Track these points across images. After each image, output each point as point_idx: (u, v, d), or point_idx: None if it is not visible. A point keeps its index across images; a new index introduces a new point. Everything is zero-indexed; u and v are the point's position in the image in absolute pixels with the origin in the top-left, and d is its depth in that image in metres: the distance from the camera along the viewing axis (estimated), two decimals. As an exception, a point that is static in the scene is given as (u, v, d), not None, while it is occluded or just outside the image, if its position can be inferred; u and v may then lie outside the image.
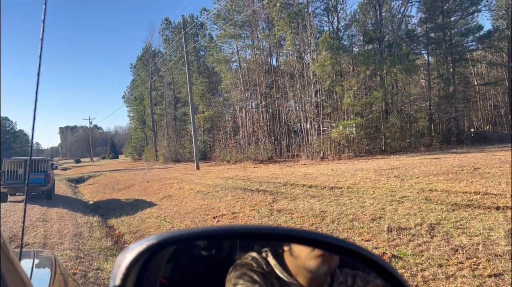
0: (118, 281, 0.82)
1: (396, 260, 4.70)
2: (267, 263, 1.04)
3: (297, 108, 31.13)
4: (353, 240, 5.81)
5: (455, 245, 5.08)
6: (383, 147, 26.96)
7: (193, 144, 28.66)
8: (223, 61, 37.55)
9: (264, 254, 1.06)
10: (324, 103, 29.46)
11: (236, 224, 8.42)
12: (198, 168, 26.90)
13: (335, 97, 29.28)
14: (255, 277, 0.99)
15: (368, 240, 5.71)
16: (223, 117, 38.62)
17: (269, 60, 36.13)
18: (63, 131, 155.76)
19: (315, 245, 0.95)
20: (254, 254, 1.06)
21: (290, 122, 32.76)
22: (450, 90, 32.18)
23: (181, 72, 45.07)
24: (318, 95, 27.55)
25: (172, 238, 0.93)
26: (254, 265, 1.02)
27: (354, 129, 26.93)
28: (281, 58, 35.34)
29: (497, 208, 7.00)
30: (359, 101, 26.35)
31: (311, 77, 27.22)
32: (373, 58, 28.79)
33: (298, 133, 31.83)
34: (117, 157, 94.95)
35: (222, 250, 1.22)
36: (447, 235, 5.58)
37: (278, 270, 1.03)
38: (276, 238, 1.01)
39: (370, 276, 1.01)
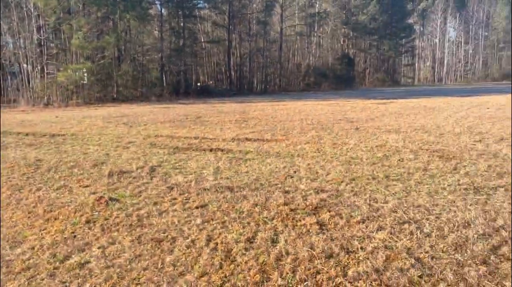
0: None
1: (113, 203, 4.61)
2: None
3: (15, 44, 26.60)
4: (70, 187, 5.40)
5: (172, 184, 5.39)
6: (115, 95, 26.40)
7: None
8: None
9: None
10: (49, 43, 26.24)
11: None
12: None
13: (62, 37, 26.36)
14: None
15: (87, 186, 5.42)
16: None
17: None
18: None
19: None
20: None
21: (6, 61, 27.80)
22: (181, 44, 34.00)
23: None
24: (42, 32, 24.23)
25: None
26: None
27: (86, 74, 25.22)
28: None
29: (211, 150, 7.87)
30: (90, 44, 24.66)
31: (32, 10, 23.53)
32: (105, 0, 27.19)
33: (16, 75, 27.38)
34: None
35: None
36: (165, 176, 5.87)
37: None
38: None
39: None
